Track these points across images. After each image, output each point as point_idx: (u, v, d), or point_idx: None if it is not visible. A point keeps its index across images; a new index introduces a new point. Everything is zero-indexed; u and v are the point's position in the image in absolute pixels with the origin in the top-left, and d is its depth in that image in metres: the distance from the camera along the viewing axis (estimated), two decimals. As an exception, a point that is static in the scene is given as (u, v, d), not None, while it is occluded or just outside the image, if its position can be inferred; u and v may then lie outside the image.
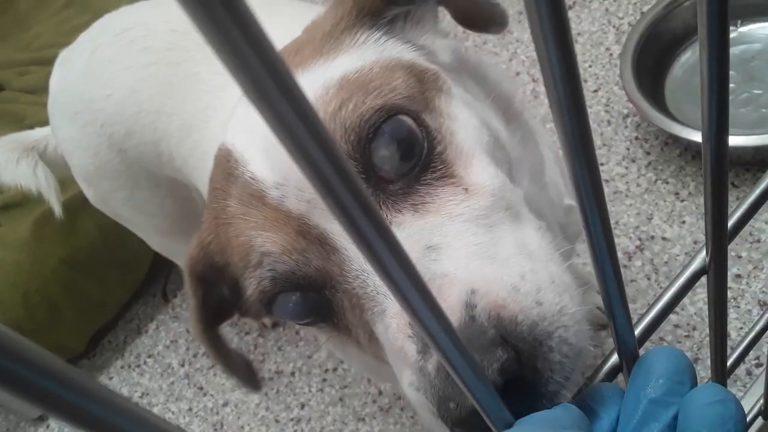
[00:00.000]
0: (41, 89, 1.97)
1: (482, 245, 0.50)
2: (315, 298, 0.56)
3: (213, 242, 0.63)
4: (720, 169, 0.36)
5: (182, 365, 1.75)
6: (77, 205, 1.61)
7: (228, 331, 1.75)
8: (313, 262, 0.53)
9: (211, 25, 0.17)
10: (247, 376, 0.77)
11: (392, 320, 0.49)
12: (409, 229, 0.52)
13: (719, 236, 0.41)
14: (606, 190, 1.48)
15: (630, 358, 0.41)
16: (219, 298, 0.68)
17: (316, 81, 0.56)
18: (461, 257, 0.49)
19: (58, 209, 1.37)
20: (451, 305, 0.46)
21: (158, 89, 1.04)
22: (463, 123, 0.57)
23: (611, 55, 1.72)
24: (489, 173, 0.55)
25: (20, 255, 1.65)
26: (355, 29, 0.62)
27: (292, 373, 1.61)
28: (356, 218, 0.23)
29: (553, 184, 0.78)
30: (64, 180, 1.37)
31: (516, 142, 0.67)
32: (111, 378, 1.81)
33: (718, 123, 0.34)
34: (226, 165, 0.59)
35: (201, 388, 1.69)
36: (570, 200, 0.81)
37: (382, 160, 0.53)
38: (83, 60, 1.14)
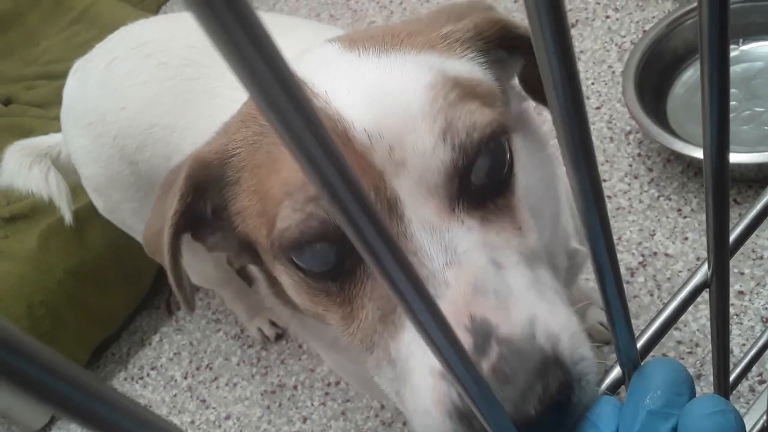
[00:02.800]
0: (49, 103, 1.99)
1: (533, 281, 0.53)
2: (345, 255, 0.54)
3: (240, 156, 0.60)
4: (720, 181, 0.37)
5: (185, 378, 1.75)
6: (84, 216, 1.62)
7: (231, 343, 1.76)
8: None
9: (224, 37, 0.17)
10: (190, 295, 0.74)
11: (448, 307, 0.48)
12: (477, 236, 0.53)
13: (721, 249, 0.41)
14: (608, 206, 1.49)
15: (632, 371, 0.42)
16: (199, 215, 0.66)
17: (431, 67, 0.57)
18: (521, 283, 0.52)
19: (68, 216, 1.37)
20: (515, 319, 0.48)
21: (173, 104, 1.05)
22: (524, 171, 0.60)
23: (614, 72, 1.73)
24: (533, 222, 0.59)
25: (25, 267, 1.66)
26: (468, 45, 0.63)
27: (295, 387, 1.61)
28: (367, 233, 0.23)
29: (563, 227, 0.79)
30: (74, 188, 1.38)
31: (544, 188, 0.69)
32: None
33: (718, 139, 0.35)
34: None
35: (204, 401, 1.69)
36: (575, 244, 0.83)
37: (481, 168, 0.55)
38: (99, 71, 1.15)
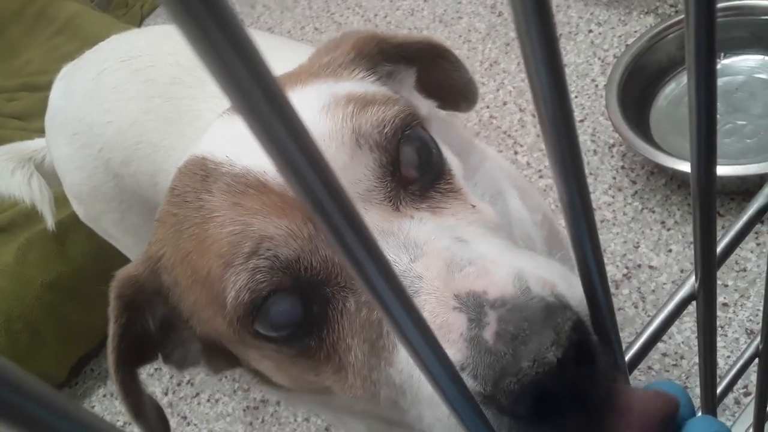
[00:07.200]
0: (29, 115, 1.97)
1: (506, 245, 0.51)
2: (309, 301, 0.51)
3: (167, 255, 0.57)
4: (708, 194, 0.36)
5: (165, 394, 1.72)
6: (64, 229, 1.60)
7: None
8: (321, 251, 0.50)
9: (208, 49, 0.17)
10: (156, 424, 0.69)
11: (429, 296, 0.46)
12: (432, 224, 0.52)
13: (708, 261, 0.41)
14: (593, 218, 1.49)
15: (620, 384, 0.41)
16: (142, 331, 0.62)
17: (320, 93, 0.57)
18: (492, 247, 0.50)
19: (50, 222, 1.36)
20: (501, 278, 0.45)
21: (158, 123, 1.04)
22: (454, 160, 0.60)
23: (597, 86, 1.75)
24: (485, 202, 0.58)
25: (2, 280, 1.63)
26: (353, 67, 0.64)
27: (278, 403, 1.59)
28: (342, 231, 0.23)
29: (526, 236, 0.76)
30: (57, 198, 1.37)
31: (478, 169, 0.70)
32: (93, 407, 1.78)
33: (706, 152, 0.35)
34: (202, 169, 0.55)
35: (185, 418, 1.66)
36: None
37: (408, 159, 0.55)
38: (87, 81, 1.14)
